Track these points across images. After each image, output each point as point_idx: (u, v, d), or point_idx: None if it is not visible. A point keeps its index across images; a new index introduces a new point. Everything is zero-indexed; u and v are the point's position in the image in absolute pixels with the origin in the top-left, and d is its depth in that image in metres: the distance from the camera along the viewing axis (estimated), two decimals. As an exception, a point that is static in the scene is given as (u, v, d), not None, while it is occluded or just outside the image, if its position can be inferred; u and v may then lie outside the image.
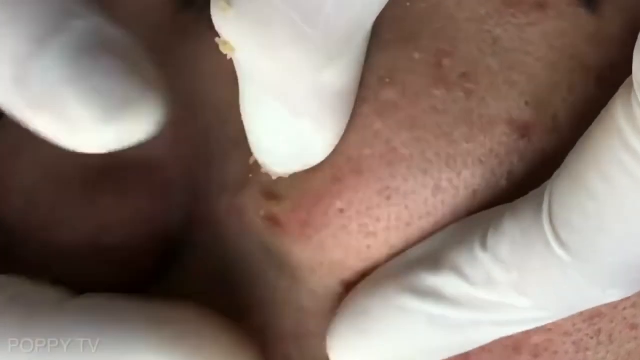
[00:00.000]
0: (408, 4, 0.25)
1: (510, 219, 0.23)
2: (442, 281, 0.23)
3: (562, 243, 0.22)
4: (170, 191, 0.26)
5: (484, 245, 0.23)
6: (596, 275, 0.22)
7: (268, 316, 0.26)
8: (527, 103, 0.24)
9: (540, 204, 0.23)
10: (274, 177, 0.25)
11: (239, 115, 0.24)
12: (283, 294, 0.26)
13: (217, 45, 0.22)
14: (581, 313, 0.24)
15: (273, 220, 0.25)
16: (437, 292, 0.23)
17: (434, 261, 0.24)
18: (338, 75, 0.22)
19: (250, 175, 0.25)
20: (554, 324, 0.24)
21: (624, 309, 0.25)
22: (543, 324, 0.24)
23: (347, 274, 0.25)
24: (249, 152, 0.25)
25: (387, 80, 0.24)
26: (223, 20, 0.21)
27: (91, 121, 0.20)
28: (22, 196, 0.26)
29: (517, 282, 0.23)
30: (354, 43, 0.22)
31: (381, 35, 0.25)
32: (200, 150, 0.26)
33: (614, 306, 0.25)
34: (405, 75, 0.24)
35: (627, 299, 0.25)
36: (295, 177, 0.25)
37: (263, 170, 0.25)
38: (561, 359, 0.25)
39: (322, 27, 0.21)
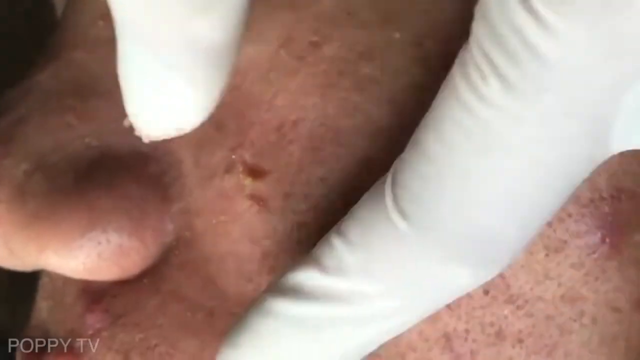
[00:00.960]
0: None
1: (363, 197, 0.23)
2: (303, 276, 0.22)
3: (402, 212, 0.21)
4: (162, 183, 0.27)
5: (338, 230, 0.23)
6: (438, 249, 0.21)
7: None
8: None
9: (386, 175, 0.22)
10: (145, 141, 0.23)
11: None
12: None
13: None
14: (562, 295, 0.25)
15: (257, 199, 0.25)
16: (297, 289, 0.22)
17: (305, 258, 0.23)
18: (211, 28, 0.21)
19: (234, 157, 0.26)
20: (535, 308, 0.25)
21: (606, 292, 0.25)
22: (403, 319, 0.22)
23: None
24: (231, 134, 0.26)
25: (367, 56, 0.25)
26: None
27: None
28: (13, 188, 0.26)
29: (364, 263, 0.22)
30: None
31: (359, 15, 0.25)
32: (189, 138, 0.27)
33: (595, 289, 0.25)
34: (385, 52, 0.25)
35: (609, 281, 0.25)
36: (276, 151, 0.25)
37: (136, 133, 0.23)
38: (546, 343, 0.25)
39: None
